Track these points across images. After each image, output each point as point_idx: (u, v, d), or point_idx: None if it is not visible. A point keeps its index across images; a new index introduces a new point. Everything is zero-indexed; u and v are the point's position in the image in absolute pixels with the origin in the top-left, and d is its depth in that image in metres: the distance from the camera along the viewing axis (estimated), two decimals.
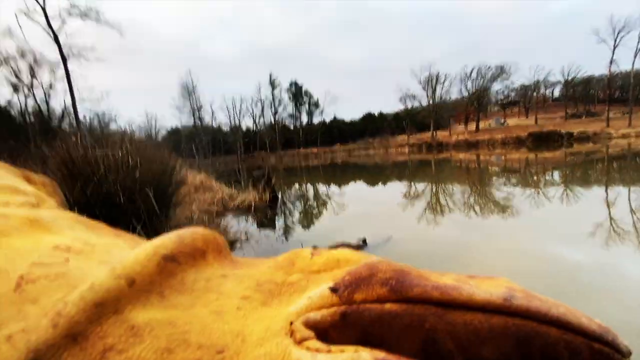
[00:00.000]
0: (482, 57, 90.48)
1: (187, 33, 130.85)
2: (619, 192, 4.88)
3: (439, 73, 40.47)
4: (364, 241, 3.06)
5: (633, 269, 2.19)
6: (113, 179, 2.20)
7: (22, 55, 21.68)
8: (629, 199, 4.28)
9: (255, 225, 4.33)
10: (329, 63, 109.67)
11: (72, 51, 18.24)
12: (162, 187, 2.49)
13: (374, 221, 4.23)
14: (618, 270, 2.21)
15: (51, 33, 17.69)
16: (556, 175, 7.58)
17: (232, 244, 3.40)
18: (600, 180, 6.28)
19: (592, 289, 1.94)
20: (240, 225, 4.36)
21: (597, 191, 5.14)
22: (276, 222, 4.54)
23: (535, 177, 7.36)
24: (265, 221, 4.60)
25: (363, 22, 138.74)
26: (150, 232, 2.29)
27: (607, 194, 4.84)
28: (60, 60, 18.27)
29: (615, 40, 30.30)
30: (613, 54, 30.67)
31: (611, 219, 3.37)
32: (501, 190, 5.75)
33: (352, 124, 55.70)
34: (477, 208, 4.47)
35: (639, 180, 5.72)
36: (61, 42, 17.85)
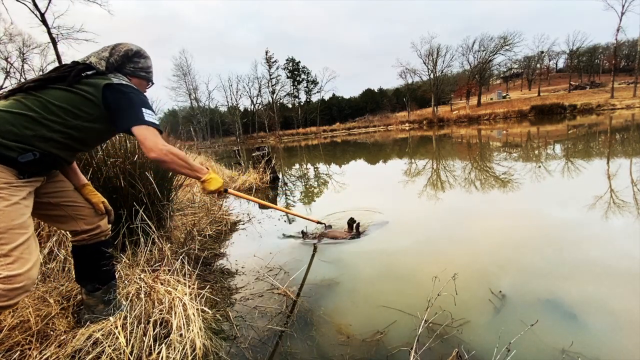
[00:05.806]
0: (486, 29, 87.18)
1: (217, 23, 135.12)
2: (605, 163, 4.86)
3: (439, 45, 39.29)
4: (357, 227, 2.84)
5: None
6: (112, 163, 2.19)
7: (11, 38, 21.08)
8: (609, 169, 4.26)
9: (257, 206, 4.35)
10: (340, 46, 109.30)
11: (62, 32, 17.67)
12: (162, 171, 2.47)
13: (374, 199, 4.25)
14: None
15: (38, 14, 17.07)
16: (557, 148, 7.52)
17: (234, 225, 3.44)
18: (601, 152, 6.24)
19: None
20: (242, 206, 4.39)
21: (593, 163, 5.12)
22: (278, 203, 4.56)
23: (535, 152, 7.31)
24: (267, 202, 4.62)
25: (375, 5, 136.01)
26: (152, 215, 2.30)
27: (607, 166, 4.82)
28: (50, 43, 17.76)
29: (624, 7, 29.13)
30: (621, 20, 29.57)
31: (611, 190, 3.37)
32: (501, 164, 5.73)
33: (352, 100, 54.80)
34: (477, 183, 4.47)
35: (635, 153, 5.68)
36: (49, 23, 17.27)
